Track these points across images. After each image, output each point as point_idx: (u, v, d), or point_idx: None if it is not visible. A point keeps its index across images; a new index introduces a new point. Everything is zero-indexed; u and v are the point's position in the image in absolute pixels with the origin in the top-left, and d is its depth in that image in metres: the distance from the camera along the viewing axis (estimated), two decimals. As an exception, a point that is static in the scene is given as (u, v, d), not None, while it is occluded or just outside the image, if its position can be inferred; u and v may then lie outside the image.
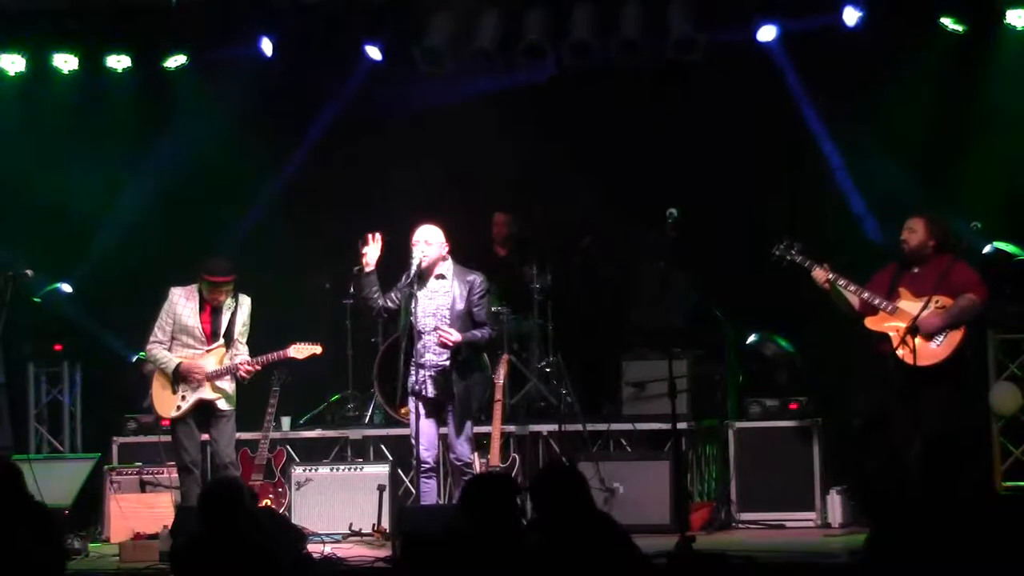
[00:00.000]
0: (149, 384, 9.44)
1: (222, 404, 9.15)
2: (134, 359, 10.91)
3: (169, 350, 9.18)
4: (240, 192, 11.53)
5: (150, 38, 11.04)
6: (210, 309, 9.18)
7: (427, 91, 11.13)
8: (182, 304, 9.19)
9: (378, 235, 8.76)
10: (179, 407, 9.13)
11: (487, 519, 5.77)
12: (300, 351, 9.25)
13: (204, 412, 9.18)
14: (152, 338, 9.23)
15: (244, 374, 9.13)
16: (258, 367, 9.19)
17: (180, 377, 9.11)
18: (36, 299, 11.03)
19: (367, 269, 8.75)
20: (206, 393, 9.12)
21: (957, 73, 10.35)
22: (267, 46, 10.81)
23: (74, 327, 11.30)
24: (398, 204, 10.65)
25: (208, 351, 9.16)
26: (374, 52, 10.86)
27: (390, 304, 8.77)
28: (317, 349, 9.29)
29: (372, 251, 8.74)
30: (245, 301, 9.25)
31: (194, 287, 9.22)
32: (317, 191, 11.60)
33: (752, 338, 10.59)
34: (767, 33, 10.47)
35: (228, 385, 9.18)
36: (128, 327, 10.78)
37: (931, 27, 10.21)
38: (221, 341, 9.17)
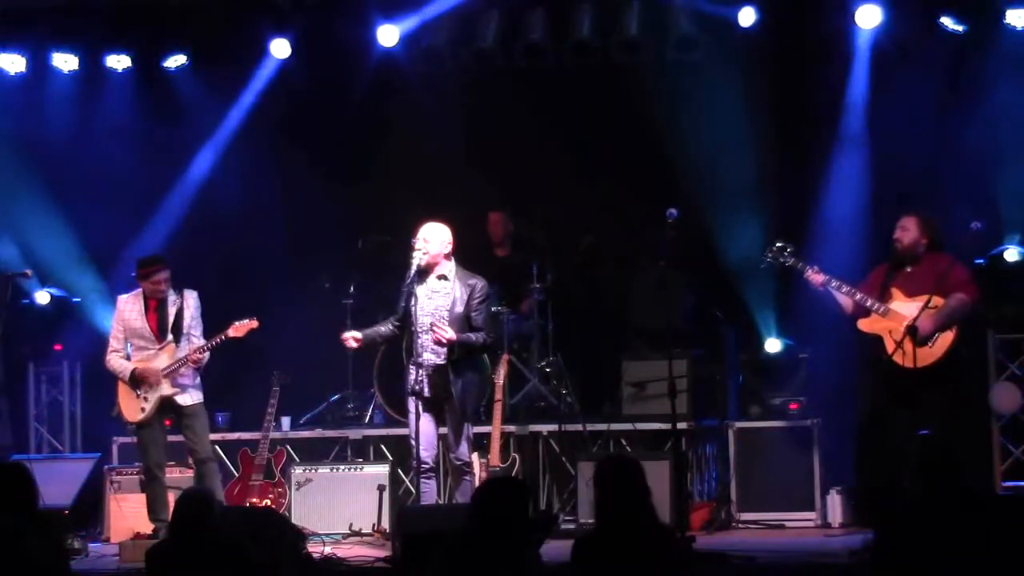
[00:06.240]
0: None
1: (184, 399, 9.18)
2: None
3: (129, 356, 9.24)
4: (239, 191, 11.54)
5: (150, 38, 11.03)
6: (155, 308, 9.23)
7: (427, 90, 11.13)
8: (128, 308, 9.28)
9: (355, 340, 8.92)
10: (143, 409, 9.18)
11: (498, 524, 5.73)
12: (238, 329, 9.24)
13: (171, 412, 9.23)
14: (109, 348, 9.33)
15: (194, 361, 9.15)
16: (206, 352, 9.18)
17: (137, 381, 9.16)
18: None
19: (356, 345, 8.93)
20: (165, 390, 9.16)
21: (957, 72, 10.35)
22: (281, 48, 10.84)
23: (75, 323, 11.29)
24: (399, 204, 10.65)
25: (160, 349, 9.21)
26: (389, 36, 10.80)
27: (392, 327, 8.88)
28: (254, 323, 9.27)
29: (352, 343, 8.93)
30: (191, 295, 9.31)
31: (138, 291, 9.30)
32: (318, 191, 11.59)
33: (777, 346, 10.50)
34: (748, 17, 10.46)
35: (188, 380, 9.20)
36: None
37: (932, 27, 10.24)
38: (170, 337, 9.21)
